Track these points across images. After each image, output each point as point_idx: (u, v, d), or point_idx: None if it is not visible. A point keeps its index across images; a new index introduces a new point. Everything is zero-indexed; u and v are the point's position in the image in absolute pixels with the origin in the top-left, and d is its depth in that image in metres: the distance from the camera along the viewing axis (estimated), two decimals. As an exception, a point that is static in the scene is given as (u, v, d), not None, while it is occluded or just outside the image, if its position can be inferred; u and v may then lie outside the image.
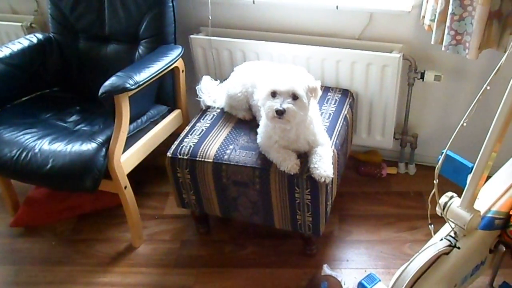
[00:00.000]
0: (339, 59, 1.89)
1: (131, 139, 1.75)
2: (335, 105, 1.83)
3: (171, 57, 1.80)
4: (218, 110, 1.85)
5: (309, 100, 1.46)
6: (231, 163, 1.57)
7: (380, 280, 1.26)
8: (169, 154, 1.65)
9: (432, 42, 1.68)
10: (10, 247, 1.97)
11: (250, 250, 1.85)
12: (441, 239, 1.17)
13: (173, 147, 1.67)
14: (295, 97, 1.41)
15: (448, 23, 1.58)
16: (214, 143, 1.64)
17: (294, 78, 1.42)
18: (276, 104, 1.40)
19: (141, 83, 1.60)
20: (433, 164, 2.13)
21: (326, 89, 1.94)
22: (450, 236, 1.17)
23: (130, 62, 1.87)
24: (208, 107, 1.88)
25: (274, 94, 1.42)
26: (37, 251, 1.93)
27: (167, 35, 1.93)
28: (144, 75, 1.63)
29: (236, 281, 1.73)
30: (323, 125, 1.65)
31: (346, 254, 1.81)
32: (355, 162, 2.23)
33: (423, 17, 1.74)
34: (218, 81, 1.95)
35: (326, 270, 1.69)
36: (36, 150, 1.65)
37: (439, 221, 1.23)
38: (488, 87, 0.98)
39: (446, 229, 1.22)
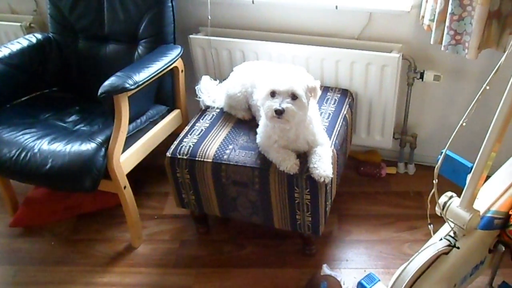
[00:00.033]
0: (339, 59, 1.89)
1: (131, 139, 1.75)
2: (335, 105, 1.83)
3: (171, 57, 1.80)
4: (218, 110, 1.85)
5: (309, 100, 1.46)
6: (231, 163, 1.57)
7: (379, 280, 1.26)
8: (168, 154, 1.65)
9: (432, 42, 1.68)
10: (9, 247, 1.96)
11: (250, 250, 1.85)
12: (441, 239, 1.17)
13: (173, 147, 1.67)
14: (294, 97, 1.41)
15: (447, 23, 1.58)
16: (213, 143, 1.64)
17: (293, 78, 1.42)
18: (275, 104, 1.40)
19: (140, 83, 1.60)
20: (432, 164, 2.13)
21: (325, 89, 1.94)
22: (450, 236, 1.17)
23: (129, 62, 1.87)
24: (208, 107, 1.88)
25: (273, 94, 1.42)
26: (37, 251, 1.93)
27: (167, 35, 1.93)
28: (143, 75, 1.63)
29: (235, 281, 1.73)
30: (322, 125, 1.65)
31: (345, 254, 1.81)
32: (355, 162, 2.23)
33: (423, 17, 1.74)
34: (218, 81, 1.95)
35: (326, 270, 1.69)
36: (36, 150, 1.64)
37: (439, 221, 1.23)
38: (488, 87, 0.98)
39: (445, 229, 1.23)
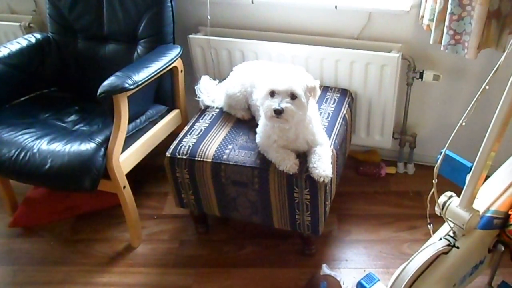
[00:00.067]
0: (338, 58, 1.89)
1: (130, 139, 1.75)
2: (334, 104, 1.83)
3: (170, 57, 1.80)
4: (217, 110, 1.85)
5: (308, 99, 1.46)
6: (230, 163, 1.57)
7: (379, 280, 1.26)
8: (168, 154, 1.65)
9: (431, 42, 1.68)
10: (9, 247, 1.96)
11: (249, 250, 1.85)
12: (440, 239, 1.17)
13: (172, 147, 1.67)
14: (293, 96, 1.41)
15: (447, 23, 1.58)
16: (213, 143, 1.64)
17: (292, 77, 1.42)
18: (275, 103, 1.40)
19: (140, 83, 1.60)
20: (432, 163, 2.13)
21: (325, 88, 1.94)
22: (449, 235, 1.17)
23: (128, 62, 1.87)
24: (207, 107, 1.88)
25: (272, 94, 1.42)
26: (36, 251, 1.93)
27: (166, 35, 1.93)
28: (143, 75, 1.63)
29: (235, 281, 1.73)
30: (322, 125, 1.65)
31: (345, 253, 1.81)
32: (354, 162, 2.23)
33: (422, 16, 1.74)
34: (217, 80, 1.95)
35: (325, 269, 1.69)
36: (35, 150, 1.64)
37: (438, 220, 1.23)
38: (487, 87, 0.98)
39: (445, 229, 1.23)
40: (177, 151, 1.64)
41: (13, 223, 2.03)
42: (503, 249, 1.27)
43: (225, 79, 1.87)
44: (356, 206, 2.03)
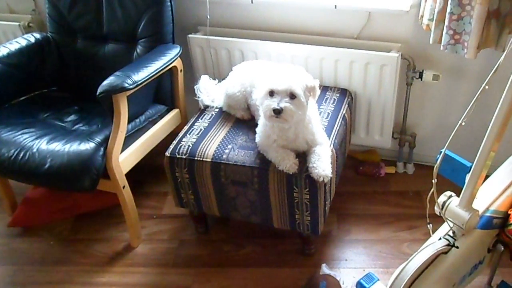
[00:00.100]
0: (338, 58, 1.89)
1: (129, 138, 1.74)
2: (334, 104, 1.82)
3: (169, 57, 1.79)
4: (217, 110, 1.85)
5: (307, 99, 1.46)
6: (230, 162, 1.57)
7: (378, 280, 1.26)
8: (167, 153, 1.65)
9: (431, 42, 1.68)
10: (8, 247, 1.96)
11: (249, 250, 1.85)
12: (440, 239, 1.17)
13: (172, 146, 1.67)
14: (292, 96, 1.41)
15: (446, 23, 1.58)
16: (212, 143, 1.64)
17: (291, 77, 1.42)
18: (274, 103, 1.40)
19: (139, 82, 1.60)
20: (431, 163, 2.13)
21: (324, 88, 1.94)
22: (449, 235, 1.17)
23: (128, 61, 1.86)
24: (207, 107, 1.88)
25: (272, 93, 1.42)
26: (35, 251, 1.93)
27: (165, 35, 1.93)
28: (142, 74, 1.63)
29: (234, 280, 1.73)
30: (321, 125, 1.65)
31: (344, 253, 1.81)
32: (354, 162, 2.23)
33: (422, 16, 1.74)
34: (217, 80, 1.95)
35: (325, 269, 1.69)
36: (34, 150, 1.64)
37: (438, 220, 1.23)
38: (487, 87, 0.98)
39: (444, 229, 1.23)
40: (177, 150, 1.64)
41: (13, 223, 2.03)
42: (502, 249, 1.28)
43: (224, 78, 1.87)
44: (356, 206, 2.03)
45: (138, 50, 1.95)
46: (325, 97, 1.87)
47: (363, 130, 2.08)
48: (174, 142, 1.68)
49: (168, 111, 1.98)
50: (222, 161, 1.58)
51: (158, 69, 1.71)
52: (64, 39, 2.08)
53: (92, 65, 2.05)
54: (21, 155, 1.64)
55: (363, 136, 2.10)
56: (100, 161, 1.61)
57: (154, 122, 1.89)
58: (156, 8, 1.89)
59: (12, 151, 1.66)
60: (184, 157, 1.62)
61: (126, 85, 1.55)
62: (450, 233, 1.17)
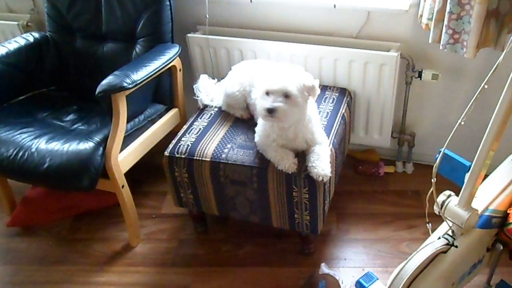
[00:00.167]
0: (337, 57, 1.88)
1: (129, 138, 1.74)
2: (333, 103, 1.82)
3: (169, 56, 1.79)
4: (216, 109, 1.85)
5: (306, 99, 1.46)
6: (229, 162, 1.57)
7: (378, 279, 1.26)
8: (166, 153, 1.65)
9: (430, 41, 1.68)
10: (7, 246, 1.96)
11: (248, 249, 1.85)
12: (439, 238, 1.17)
13: (171, 146, 1.67)
14: (287, 96, 1.40)
15: (445, 22, 1.58)
16: (211, 142, 1.64)
17: (286, 77, 1.42)
18: (267, 103, 1.40)
19: (138, 82, 1.60)
20: (430, 162, 2.13)
21: (323, 87, 1.93)
22: (448, 234, 1.17)
23: (127, 61, 1.86)
24: (206, 106, 1.87)
25: (268, 93, 1.42)
26: (34, 251, 1.92)
27: (164, 34, 1.93)
28: (141, 74, 1.63)
29: (233, 280, 1.73)
30: (321, 124, 1.65)
31: (344, 252, 1.81)
32: (353, 161, 2.23)
33: (421, 16, 1.74)
34: (216, 79, 1.95)
35: (324, 269, 1.69)
36: (33, 150, 1.64)
37: (437, 219, 1.23)
38: (486, 86, 0.98)
39: (443, 228, 1.23)
40: (176, 150, 1.64)
41: (11, 222, 2.03)
42: (501, 248, 1.28)
43: (223, 78, 1.87)
44: (355, 205, 2.03)
45: (137, 50, 1.94)
46: (324, 96, 1.87)
47: (362, 130, 2.08)
48: (173, 142, 1.68)
49: (167, 111, 1.97)
50: (221, 161, 1.58)
51: (157, 68, 1.71)
52: (63, 38, 2.08)
53: (91, 64, 2.04)
54: (20, 154, 1.64)
55: (362, 136, 2.10)
56: (99, 161, 1.61)
57: (153, 121, 1.89)
58: (155, 7, 1.89)
59: (11, 150, 1.65)
60: (183, 156, 1.62)
61: (125, 84, 1.55)
62: (449, 232, 1.17)
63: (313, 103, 1.58)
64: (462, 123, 1.03)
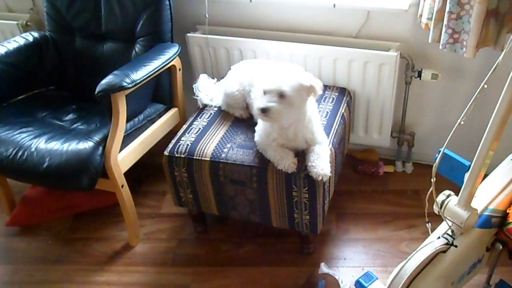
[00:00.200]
0: (336, 57, 1.88)
1: (128, 137, 1.74)
2: (333, 103, 1.82)
3: (168, 56, 1.79)
4: (215, 109, 1.85)
5: (304, 99, 1.45)
6: (229, 161, 1.57)
7: (377, 278, 1.26)
8: (166, 152, 1.65)
9: (430, 41, 1.68)
10: (6, 246, 1.96)
11: (248, 249, 1.85)
12: (439, 237, 1.17)
13: (170, 145, 1.67)
14: (282, 95, 1.40)
15: (445, 22, 1.58)
16: (211, 142, 1.64)
17: (282, 77, 1.41)
18: (261, 102, 1.40)
19: (138, 81, 1.60)
20: (430, 162, 2.13)
21: (323, 87, 1.93)
22: (448, 234, 1.17)
23: (126, 60, 1.87)
24: (205, 106, 1.87)
25: (265, 93, 1.42)
26: (34, 250, 1.92)
27: (164, 34, 1.92)
28: (141, 73, 1.63)
29: (233, 279, 1.73)
30: (321, 124, 1.65)
31: (343, 252, 1.81)
32: (353, 161, 2.23)
33: (420, 15, 1.74)
34: (215, 79, 1.94)
35: (324, 268, 1.69)
36: (33, 149, 1.64)
37: (437, 219, 1.23)
38: (486, 86, 0.98)
39: (443, 227, 1.23)
40: (175, 149, 1.64)
41: (11, 222, 2.03)
42: (501, 247, 1.28)
43: (223, 77, 1.87)
44: (355, 204, 2.03)
45: (137, 49, 1.94)
46: (324, 96, 1.87)
47: (362, 129, 2.08)
48: (173, 141, 1.68)
49: (166, 110, 1.97)
50: (221, 160, 1.57)
51: (156, 68, 1.71)
52: (62, 38, 2.08)
53: (91, 64, 2.04)
54: (20, 154, 1.64)
55: (362, 135, 2.10)
56: (98, 160, 1.61)
57: (152, 121, 1.89)
58: (154, 7, 1.88)
59: (10, 150, 1.65)
60: (182, 156, 1.62)
61: (125, 84, 1.55)
62: (449, 232, 1.17)
63: (313, 103, 1.58)
64: (462, 122, 1.03)
